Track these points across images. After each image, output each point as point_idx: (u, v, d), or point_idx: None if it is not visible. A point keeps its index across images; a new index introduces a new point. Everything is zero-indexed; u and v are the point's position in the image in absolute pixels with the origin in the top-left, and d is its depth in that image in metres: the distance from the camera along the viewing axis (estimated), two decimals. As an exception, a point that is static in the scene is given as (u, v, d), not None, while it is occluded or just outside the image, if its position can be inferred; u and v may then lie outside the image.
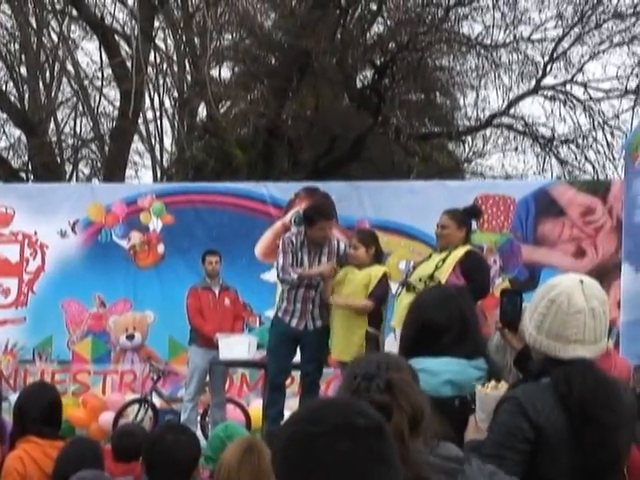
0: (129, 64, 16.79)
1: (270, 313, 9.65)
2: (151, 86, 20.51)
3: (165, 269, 11.88)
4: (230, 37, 20.44)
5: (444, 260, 7.25)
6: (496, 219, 11.25)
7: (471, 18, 19.70)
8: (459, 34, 19.59)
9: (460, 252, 7.29)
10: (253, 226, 11.74)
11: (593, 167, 20.61)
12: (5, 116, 21.01)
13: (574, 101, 20.53)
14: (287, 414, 6.96)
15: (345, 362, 7.64)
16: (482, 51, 19.66)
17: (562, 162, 21.10)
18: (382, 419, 1.90)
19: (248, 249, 11.59)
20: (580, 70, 20.16)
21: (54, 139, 21.73)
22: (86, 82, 21.64)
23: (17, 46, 20.68)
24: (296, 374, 8.97)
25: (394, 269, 10.14)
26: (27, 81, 20.54)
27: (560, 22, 19.59)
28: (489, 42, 19.54)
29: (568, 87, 20.63)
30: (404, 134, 18.99)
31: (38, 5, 19.57)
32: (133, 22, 17.22)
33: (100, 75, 21.36)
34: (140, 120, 20.56)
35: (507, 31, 19.46)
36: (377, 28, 20.79)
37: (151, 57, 18.69)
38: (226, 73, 21.88)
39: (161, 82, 21.18)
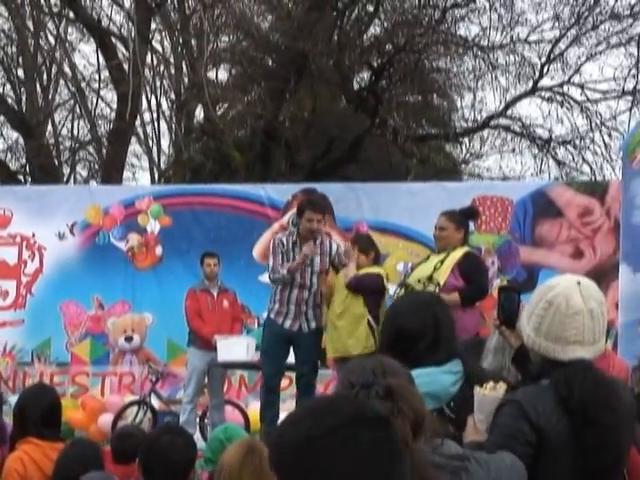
0: (126, 66, 16.78)
1: (269, 315, 9.67)
2: (148, 88, 20.58)
3: (163, 271, 11.87)
4: (227, 39, 20.42)
5: (442, 262, 7.26)
6: (494, 220, 11.24)
7: (468, 20, 19.73)
8: (456, 36, 19.60)
9: (458, 254, 7.30)
10: (251, 228, 11.74)
11: (590, 168, 20.65)
12: (2, 118, 21.01)
13: (571, 102, 20.53)
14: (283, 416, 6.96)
15: (342, 358, 7.68)
16: (479, 53, 19.66)
17: (559, 163, 21.11)
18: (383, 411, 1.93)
19: (246, 251, 11.58)
20: (577, 71, 20.19)
21: (52, 141, 21.73)
22: (83, 84, 21.67)
23: (14, 48, 20.68)
24: (292, 376, 8.97)
25: (392, 271, 10.14)
26: (24, 83, 20.53)
27: (557, 23, 19.65)
28: (486, 44, 19.54)
29: (565, 88, 20.65)
30: (401, 135, 19.01)
31: (35, 7, 19.59)
32: (130, 24, 17.27)
33: (97, 77, 21.41)
34: (137, 122, 20.58)
35: (504, 33, 19.51)
36: (374, 30, 20.84)
37: (148, 59, 18.72)
38: (223, 75, 21.93)
39: (158, 84, 21.25)
